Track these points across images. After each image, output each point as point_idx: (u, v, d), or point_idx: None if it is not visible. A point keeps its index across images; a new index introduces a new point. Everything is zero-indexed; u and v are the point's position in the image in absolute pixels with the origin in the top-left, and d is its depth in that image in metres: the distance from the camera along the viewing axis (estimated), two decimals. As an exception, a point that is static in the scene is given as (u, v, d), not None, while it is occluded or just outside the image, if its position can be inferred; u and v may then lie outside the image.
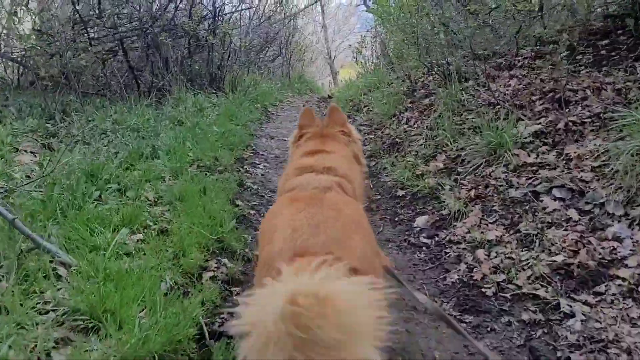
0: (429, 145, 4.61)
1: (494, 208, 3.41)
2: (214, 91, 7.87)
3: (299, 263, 1.28)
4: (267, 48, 13.91)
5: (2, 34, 6.87)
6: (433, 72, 6.52)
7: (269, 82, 11.19)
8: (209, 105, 7.17)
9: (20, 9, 6.70)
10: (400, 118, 5.72)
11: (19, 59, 6.82)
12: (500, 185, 3.60)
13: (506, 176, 3.67)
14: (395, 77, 8.58)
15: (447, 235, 3.33)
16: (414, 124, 5.41)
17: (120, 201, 3.34)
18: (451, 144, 4.41)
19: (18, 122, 5.61)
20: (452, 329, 1.92)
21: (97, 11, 7.14)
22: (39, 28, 6.98)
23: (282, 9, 14.40)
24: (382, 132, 5.55)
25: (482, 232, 3.19)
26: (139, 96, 6.88)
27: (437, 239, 3.36)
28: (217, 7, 8.38)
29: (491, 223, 3.30)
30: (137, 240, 2.77)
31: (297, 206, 1.67)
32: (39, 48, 6.58)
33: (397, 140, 5.10)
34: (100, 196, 3.29)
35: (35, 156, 4.35)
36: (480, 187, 3.69)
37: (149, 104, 6.68)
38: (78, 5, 7.44)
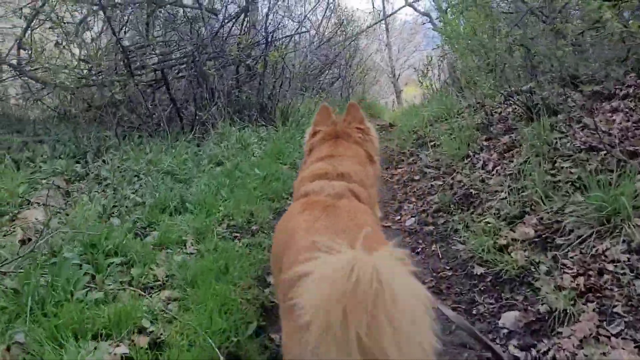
0: (514, 202, 3.67)
1: (616, 310, 2.44)
2: (263, 123, 7.25)
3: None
4: (326, 71, 13.29)
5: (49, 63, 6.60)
6: (512, 103, 5.55)
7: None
8: (256, 140, 6.53)
9: (67, 39, 6.43)
10: (475, 160, 4.79)
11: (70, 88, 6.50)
12: (621, 273, 2.62)
13: (629, 259, 2.69)
14: (466, 105, 7.63)
15: (550, 348, 2.39)
16: (493, 169, 4.47)
17: (121, 283, 2.68)
18: (543, 202, 3.45)
19: (48, 162, 5.20)
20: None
21: (144, 38, 6.74)
22: (83, 58, 6.67)
23: (343, 30, 13.78)
24: (453, 179, 4.64)
25: (602, 352, 2.24)
26: (181, 131, 6.36)
27: (534, 352, 2.42)
28: (270, 33, 7.80)
29: (614, 335, 2.33)
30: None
31: (313, 214, 1.70)
32: (84, 79, 6.23)
33: (472, 191, 4.18)
34: (94, 277, 2.64)
35: (48, 211, 3.81)
36: (591, 272, 2.73)
37: (191, 140, 6.14)
38: (126, 33, 7.08)
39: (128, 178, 4.87)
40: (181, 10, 7.18)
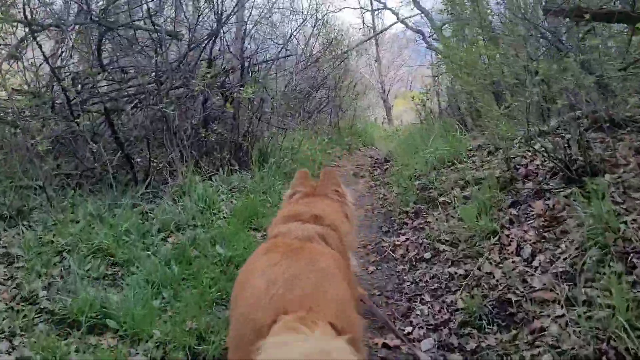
0: (579, 330, 2.53)
1: None
2: (237, 168, 6.08)
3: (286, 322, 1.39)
4: (313, 94, 12.19)
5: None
6: (537, 151, 4.46)
7: (313, 140, 9.35)
8: (225, 192, 5.36)
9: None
10: (505, 240, 3.66)
11: None
12: None
13: None
14: (477, 146, 6.54)
15: None
16: (532, 257, 3.34)
17: None
18: (629, 334, 2.32)
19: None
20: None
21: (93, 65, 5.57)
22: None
23: (332, 49, 12.71)
24: (479, 268, 3.49)
25: None
26: (132, 182, 5.16)
27: None
28: (247, 58, 6.66)
29: None
30: None
31: (273, 257, 1.77)
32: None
33: (509, 297, 3.03)
34: None
35: None
36: None
37: (144, 195, 4.95)
38: (71, 57, 5.90)
39: (46, 259, 3.68)
40: (140, 33, 6.03)
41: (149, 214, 4.61)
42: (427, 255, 4.00)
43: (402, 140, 14.39)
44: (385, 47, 31.06)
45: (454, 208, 4.75)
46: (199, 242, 3.91)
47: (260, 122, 6.72)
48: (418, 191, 5.79)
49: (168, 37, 5.64)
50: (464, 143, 6.58)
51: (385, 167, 8.59)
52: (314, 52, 13.16)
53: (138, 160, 5.42)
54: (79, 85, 5.43)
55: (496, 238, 3.75)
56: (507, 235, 3.73)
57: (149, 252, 3.78)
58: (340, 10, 22.28)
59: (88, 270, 3.57)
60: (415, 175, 6.49)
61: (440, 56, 10.95)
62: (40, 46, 4.87)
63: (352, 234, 2.40)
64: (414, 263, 4.01)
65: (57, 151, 5.19)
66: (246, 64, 6.64)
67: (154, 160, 5.17)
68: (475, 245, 3.79)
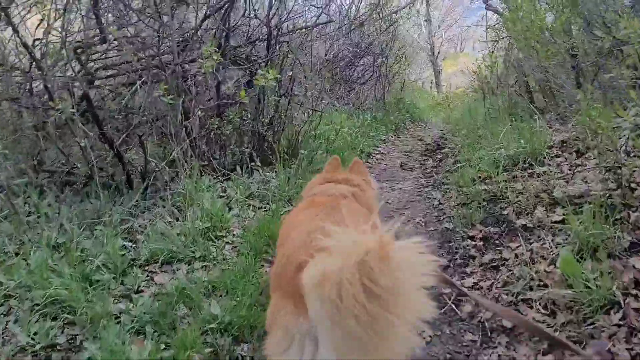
0: None
1: None
2: (259, 166, 4.98)
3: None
4: (355, 64, 10.86)
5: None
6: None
7: (354, 119, 8.11)
8: (241, 201, 4.30)
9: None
10: (635, 322, 2.45)
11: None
12: None
13: None
14: (560, 141, 5.18)
15: None
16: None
17: None
18: None
19: None
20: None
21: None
22: None
23: (379, 10, 11.23)
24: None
25: None
26: (126, 188, 4.17)
27: None
28: (274, 27, 5.46)
29: None
30: None
31: (313, 211, 1.99)
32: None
33: None
34: None
35: None
36: None
37: (133, 208, 3.95)
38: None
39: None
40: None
41: (138, 235, 3.61)
42: (507, 323, 2.83)
43: (457, 118, 12.92)
44: (435, 4, 29.05)
45: (541, 240, 3.53)
46: (189, 293, 2.87)
47: (290, 105, 5.55)
48: (485, 203, 4.56)
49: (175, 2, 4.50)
50: (541, 135, 5.22)
51: (438, 156, 7.30)
52: (359, 15, 11.72)
53: (136, 157, 4.39)
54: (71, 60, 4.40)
55: (618, 313, 2.53)
56: (637, 310, 2.51)
57: (123, 308, 2.77)
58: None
59: (35, 334, 2.60)
60: (479, 178, 5.23)
61: (504, 18, 9.36)
62: (7, 14, 3.84)
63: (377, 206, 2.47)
64: (489, 333, 2.85)
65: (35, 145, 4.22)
66: (274, 32, 5.42)
67: (152, 161, 4.12)
68: (585, 321, 2.59)
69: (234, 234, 3.76)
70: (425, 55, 27.59)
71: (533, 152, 5.04)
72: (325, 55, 10.64)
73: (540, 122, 6.35)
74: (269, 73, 3.69)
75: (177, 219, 3.83)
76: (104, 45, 4.79)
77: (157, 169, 4.14)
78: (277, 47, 5.30)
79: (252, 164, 5.04)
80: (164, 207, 4.02)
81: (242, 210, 4.18)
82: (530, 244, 3.56)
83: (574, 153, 4.88)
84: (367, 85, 11.03)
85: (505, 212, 4.19)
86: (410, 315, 1.24)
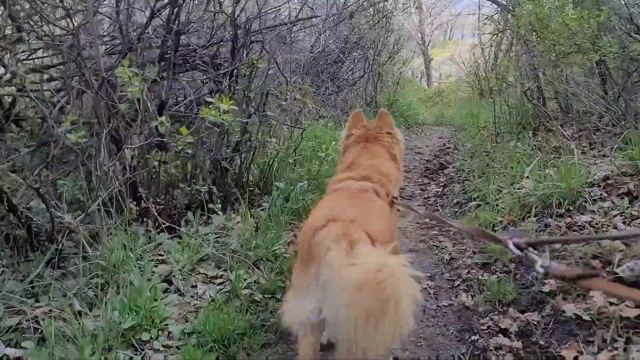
0: None
1: None
2: (219, 208, 3.87)
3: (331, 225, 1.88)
4: (343, 61, 9.71)
5: None
6: None
7: (341, 129, 6.96)
8: (189, 269, 3.19)
9: None
10: None
11: None
12: None
13: None
14: (603, 177, 4.13)
15: None
16: None
17: None
18: None
19: None
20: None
21: None
22: None
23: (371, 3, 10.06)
24: None
25: None
26: (26, 249, 3.04)
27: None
28: (243, 25, 4.33)
29: None
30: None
31: (338, 196, 2.32)
32: None
33: None
34: None
35: None
36: None
37: (43, 274, 2.84)
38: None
39: None
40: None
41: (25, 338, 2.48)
42: None
43: (451, 117, 11.84)
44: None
45: (609, 345, 2.48)
46: None
47: (262, 127, 4.41)
48: (514, 265, 3.50)
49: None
50: (577, 168, 4.16)
51: (442, 179, 6.21)
52: (348, 5, 10.56)
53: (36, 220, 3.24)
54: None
55: None
56: None
57: None
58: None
59: None
60: (501, 223, 4.16)
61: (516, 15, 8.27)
62: None
63: (399, 175, 2.88)
64: None
65: None
66: (242, 33, 4.28)
67: (58, 217, 2.99)
68: None
69: (169, 335, 2.64)
70: (414, 44, 26.54)
71: (569, 191, 3.98)
72: (310, 50, 9.47)
73: (568, 144, 5.32)
74: (221, 102, 2.55)
75: (91, 309, 2.70)
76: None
77: (66, 225, 2.99)
78: (245, 52, 4.13)
79: (211, 205, 3.90)
80: (76, 282, 2.88)
81: (188, 286, 3.06)
82: (596, 354, 2.50)
83: (625, 197, 3.83)
84: (356, 86, 9.88)
85: (546, 287, 3.13)
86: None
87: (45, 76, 4.22)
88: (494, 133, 7.05)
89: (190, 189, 3.74)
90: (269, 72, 4.92)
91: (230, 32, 4.21)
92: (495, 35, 17.11)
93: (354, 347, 1.62)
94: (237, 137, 4.09)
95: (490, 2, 18.39)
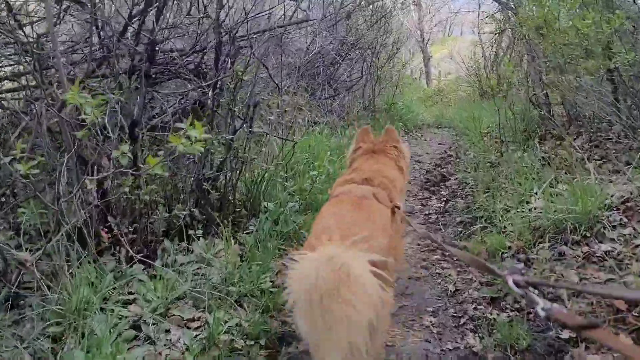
0: None
1: None
2: (199, 233, 3.52)
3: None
4: (340, 63, 9.34)
5: None
6: None
7: (337, 137, 6.65)
8: (161, 312, 2.83)
9: None
10: None
11: None
12: None
13: None
14: (622, 199, 3.77)
15: None
16: None
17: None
18: None
19: None
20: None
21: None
22: None
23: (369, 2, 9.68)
24: None
25: None
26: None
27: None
28: (230, 31, 3.98)
29: None
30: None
31: (342, 206, 2.38)
32: None
33: None
34: None
35: None
36: None
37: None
38: None
39: None
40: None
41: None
42: None
43: (452, 117, 11.46)
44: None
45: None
46: None
47: (250, 143, 4.06)
48: (526, 303, 3.15)
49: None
50: (594, 190, 3.81)
51: (444, 192, 5.86)
52: (345, 4, 10.18)
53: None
54: None
55: None
56: None
57: None
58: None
59: None
60: (509, 249, 3.81)
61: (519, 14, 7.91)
62: None
63: (404, 185, 3.01)
64: None
65: None
66: (226, 40, 3.93)
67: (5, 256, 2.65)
68: None
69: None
70: (413, 42, 26.26)
71: (585, 215, 3.62)
72: (306, 52, 9.11)
73: (580, 157, 4.97)
74: (193, 129, 2.18)
75: (44, 366, 2.34)
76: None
77: (22, 262, 2.63)
78: (230, 62, 3.77)
79: (192, 232, 3.55)
80: (32, 328, 2.53)
81: (160, 332, 2.70)
82: None
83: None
84: (354, 89, 9.51)
85: (564, 334, 2.78)
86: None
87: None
88: (498, 141, 6.68)
89: (168, 214, 3.37)
90: (260, 77, 4.57)
91: (214, 39, 3.84)
92: (496, 35, 16.80)
93: (316, 346, 1.67)
94: (222, 155, 3.72)
95: (491, 0, 17.96)
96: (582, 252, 3.41)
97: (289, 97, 4.77)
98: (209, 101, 3.79)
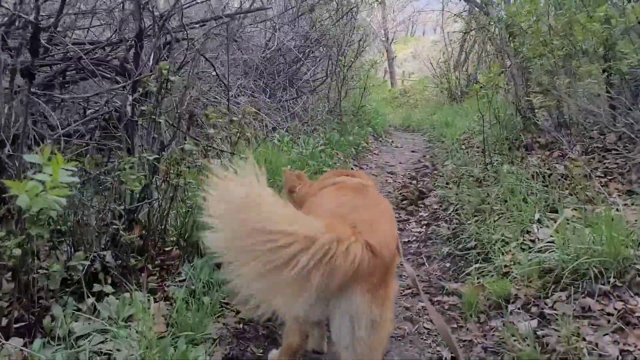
0: None
1: None
2: (114, 287, 2.56)
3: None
4: (303, 62, 8.47)
5: None
6: None
7: (299, 145, 5.78)
8: None
9: None
10: None
11: None
12: None
13: None
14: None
15: None
16: None
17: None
18: None
19: None
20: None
21: None
22: None
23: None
24: None
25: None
26: None
27: None
28: (155, 21, 3.03)
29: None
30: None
31: (344, 192, 2.33)
32: None
33: None
34: None
35: None
36: None
37: None
38: None
39: None
40: None
41: None
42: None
43: (420, 119, 10.79)
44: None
45: None
46: None
47: (185, 158, 3.12)
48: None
49: None
50: (619, 226, 3.04)
51: (423, 214, 5.05)
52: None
53: None
54: None
55: None
56: None
57: None
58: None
59: None
60: (515, 298, 3.02)
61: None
62: None
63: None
64: None
65: None
66: (155, 29, 3.00)
67: None
68: None
69: None
70: (378, 41, 25.83)
71: (612, 256, 2.86)
72: (264, 49, 8.19)
73: (583, 172, 4.24)
74: (50, 164, 1.26)
75: None
76: None
77: None
78: (154, 59, 2.84)
79: (102, 285, 2.60)
80: None
81: None
82: None
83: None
84: (318, 90, 8.64)
85: None
86: None
87: None
88: (481, 152, 5.95)
89: (56, 269, 2.42)
90: (208, 75, 3.65)
91: (135, 26, 2.91)
92: (464, 34, 16.26)
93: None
94: (140, 181, 2.78)
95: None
96: (614, 308, 2.64)
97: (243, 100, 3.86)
98: (127, 108, 2.84)
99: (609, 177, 4.40)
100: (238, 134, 3.32)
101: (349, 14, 9.07)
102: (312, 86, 8.43)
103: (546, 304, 2.88)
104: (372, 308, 1.73)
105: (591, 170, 4.44)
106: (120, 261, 2.84)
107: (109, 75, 3.73)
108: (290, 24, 8.92)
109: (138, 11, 2.87)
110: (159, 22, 3.07)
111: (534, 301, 2.95)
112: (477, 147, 6.64)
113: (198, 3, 4.26)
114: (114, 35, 3.35)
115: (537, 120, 6.47)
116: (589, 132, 5.71)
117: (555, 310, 2.79)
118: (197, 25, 4.09)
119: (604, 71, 5.16)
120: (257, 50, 8.28)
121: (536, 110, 6.75)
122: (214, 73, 4.37)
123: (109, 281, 2.71)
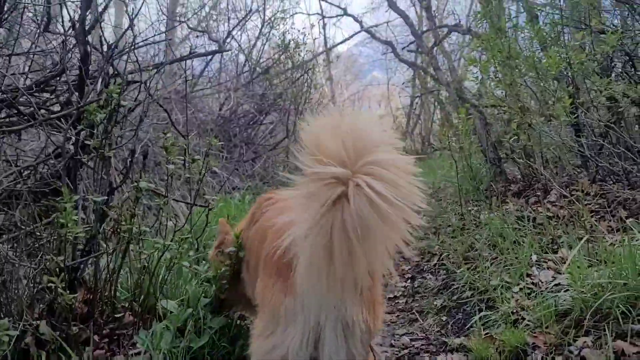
0: None
1: None
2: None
3: None
4: (260, 123, 8.26)
5: None
6: None
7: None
8: None
9: None
10: None
11: None
12: None
13: None
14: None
15: None
16: None
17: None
18: None
19: None
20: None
21: None
22: None
23: (290, 55, 8.78)
24: None
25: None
26: None
27: None
28: (110, 57, 2.67)
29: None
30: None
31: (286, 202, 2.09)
32: None
33: None
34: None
35: None
36: None
37: None
38: None
39: None
40: None
41: None
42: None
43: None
44: (337, 63, 28.23)
45: None
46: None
47: (139, 203, 2.67)
48: None
49: None
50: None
51: (405, 269, 4.67)
52: (263, 60, 9.27)
53: None
54: None
55: None
56: None
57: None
58: (291, 15, 17.94)
59: None
60: (533, 346, 2.63)
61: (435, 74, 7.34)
62: None
63: None
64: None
65: None
66: (97, 60, 2.63)
67: None
68: None
69: None
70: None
71: (634, 292, 2.55)
72: (219, 112, 7.94)
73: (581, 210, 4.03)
74: None
75: None
76: None
77: None
78: (102, 84, 2.46)
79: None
80: None
81: None
82: None
83: None
84: (276, 150, 8.38)
85: None
86: None
87: None
88: (454, 202, 5.73)
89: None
90: (157, 123, 3.27)
91: (80, 50, 2.53)
92: (416, 98, 16.77)
93: None
94: (86, 231, 2.30)
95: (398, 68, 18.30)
96: (634, 353, 2.29)
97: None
98: (70, 145, 2.42)
99: (598, 217, 4.21)
100: (200, 178, 2.91)
101: (305, 74, 9.04)
102: (272, 145, 8.16)
103: (571, 352, 2.50)
104: None
105: (579, 210, 4.24)
106: (58, 332, 2.29)
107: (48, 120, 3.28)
108: (245, 87, 8.76)
109: (82, 34, 2.51)
110: (106, 53, 2.71)
111: (556, 349, 2.56)
112: (449, 199, 6.45)
113: (150, 44, 3.95)
114: (48, 80, 2.94)
115: (507, 169, 6.37)
116: (560, 177, 5.61)
117: (584, 357, 2.41)
118: (151, 68, 3.75)
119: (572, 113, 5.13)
120: (212, 113, 8.03)
121: (503, 160, 6.68)
122: (167, 121, 3.99)
123: (44, 358, 2.15)
